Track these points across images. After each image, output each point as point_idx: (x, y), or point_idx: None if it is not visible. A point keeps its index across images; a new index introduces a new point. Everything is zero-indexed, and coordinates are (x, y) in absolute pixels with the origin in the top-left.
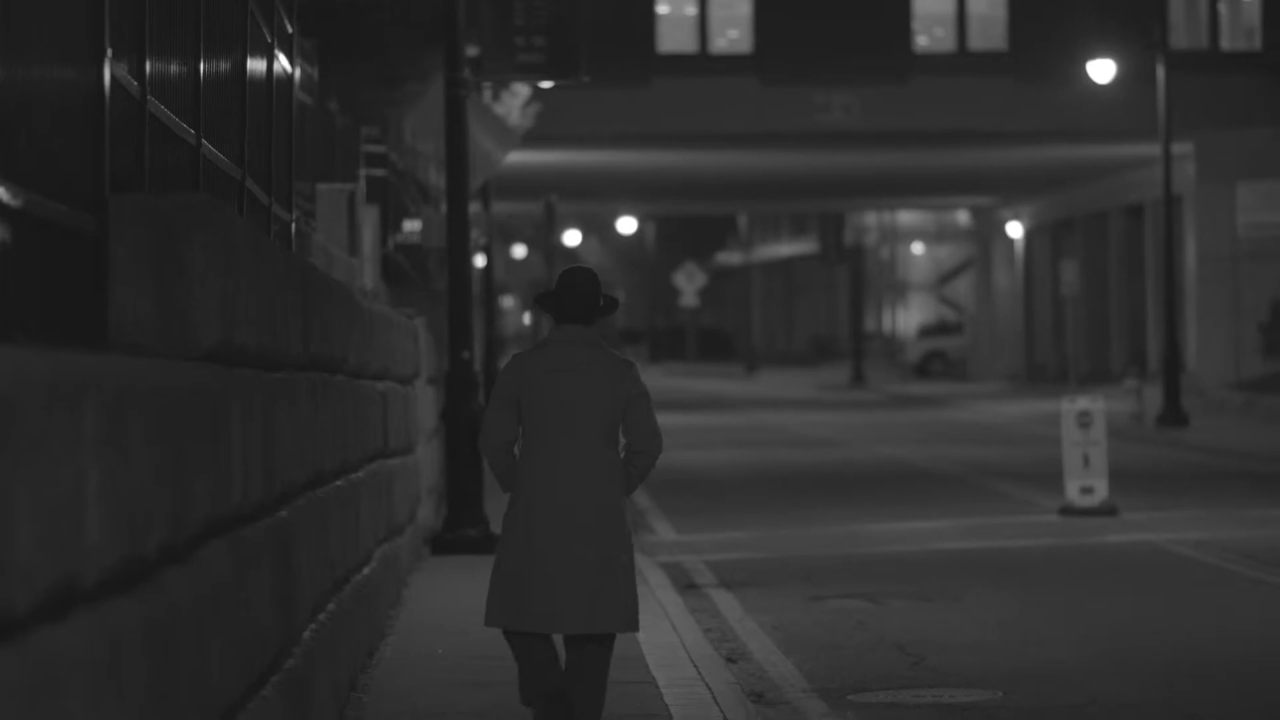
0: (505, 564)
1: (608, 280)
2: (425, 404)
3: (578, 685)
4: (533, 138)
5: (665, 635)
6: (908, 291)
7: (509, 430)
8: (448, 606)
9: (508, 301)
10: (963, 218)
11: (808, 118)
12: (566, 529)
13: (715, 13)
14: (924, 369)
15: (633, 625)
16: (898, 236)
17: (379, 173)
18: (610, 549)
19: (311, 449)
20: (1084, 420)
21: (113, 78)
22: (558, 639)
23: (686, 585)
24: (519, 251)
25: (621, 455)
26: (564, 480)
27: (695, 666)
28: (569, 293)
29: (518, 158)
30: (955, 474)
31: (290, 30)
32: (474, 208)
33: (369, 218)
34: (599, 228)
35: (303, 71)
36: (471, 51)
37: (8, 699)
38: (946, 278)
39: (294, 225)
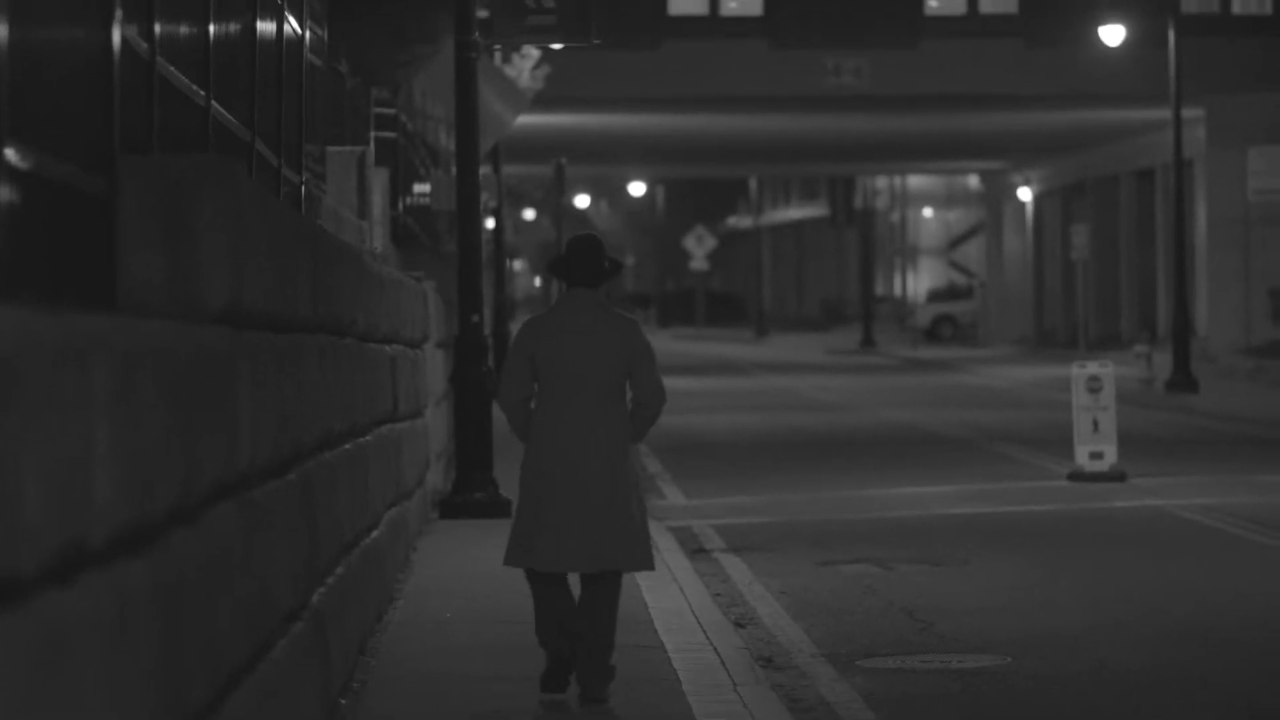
0: (523, 509)
1: (617, 244)
2: (434, 367)
3: (588, 621)
4: (543, 100)
5: (674, 599)
6: (918, 256)
7: (525, 387)
8: (456, 571)
9: (518, 264)
10: (973, 182)
11: (818, 81)
12: (576, 475)
13: None
14: (934, 333)
15: (645, 564)
16: (908, 200)
17: (389, 135)
18: (619, 492)
19: (320, 412)
20: (1093, 385)
21: (122, 39)
22: (573, 583)
23: (695, 550)
24: (529, 214)
25: (629, 409)
26: (574, 430)
27: (703, 631)
28: (576, 258)
29: (528, 120)
30: (964, 439)
31: None
32: (484, 170)
33: (379, 180)
34: (609, 191)
35: (312, 33)
36: (481, 13)
37: (16, 661)
38: (956, 242)
39: (303, 187)
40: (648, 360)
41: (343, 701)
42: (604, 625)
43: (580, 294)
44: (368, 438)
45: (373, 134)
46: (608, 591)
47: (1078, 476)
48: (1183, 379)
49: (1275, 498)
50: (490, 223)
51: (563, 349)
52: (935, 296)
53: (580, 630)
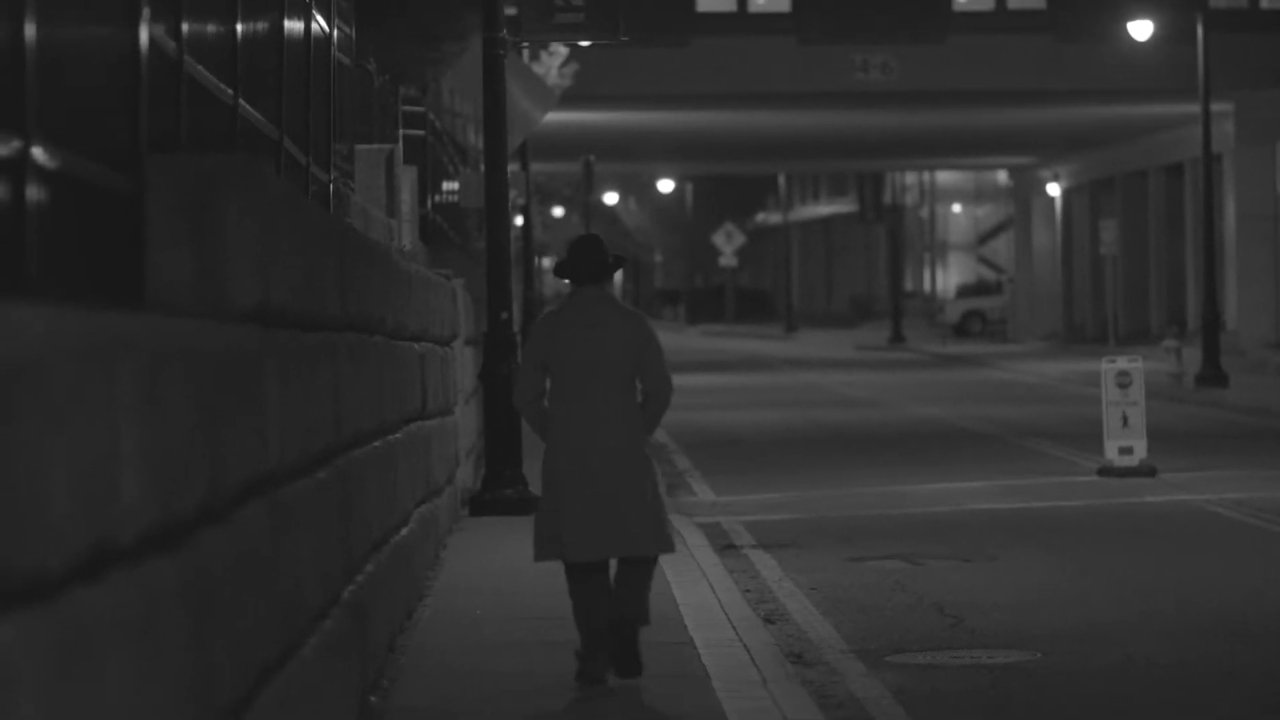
0: (545, 503)
1: (646, 241)
2: (464, 365)
3: (623, 595)
4: (571, 97)
5: (703, 596)
6: (947, 251)
7: (538, 385)
8: (485, 568)
9: (546, 262)
10: (1002, 177)
11: (846, 77)
12: (592, 465)
13: None
14: (963, 329)
15: (666, 546)
16: (937, 196)
17: (417, 133)
18: (635, 480)
19: (348, 410)
20: (1123, 380)
21: (149, 38)
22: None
23: (725, 546)
24: (558, 212)
25: (639, 400)
26: (589, 422)
27: (733, 627)
28: (580, 258)
29: (556, 118)
30: (994, 434)
31: None
32: (512, 168)
33: (407, 178)
34: (637, 188)
35: (340, 31)
36: (509, 11)
37: (44, 660)
38: (985, 237)
39: (332, 186)
40: (655, 352)
41: (372, 699)
42: (638, 597)
43: (588, 291)
44: (397, 435)
45: (401, 132)
46: (641, 571)
47: (1107, 471)
48: (1212, 373)
49: None
50: (519, 220)
51: (574, 344)
52: (964, 292)
53: (613, 614)
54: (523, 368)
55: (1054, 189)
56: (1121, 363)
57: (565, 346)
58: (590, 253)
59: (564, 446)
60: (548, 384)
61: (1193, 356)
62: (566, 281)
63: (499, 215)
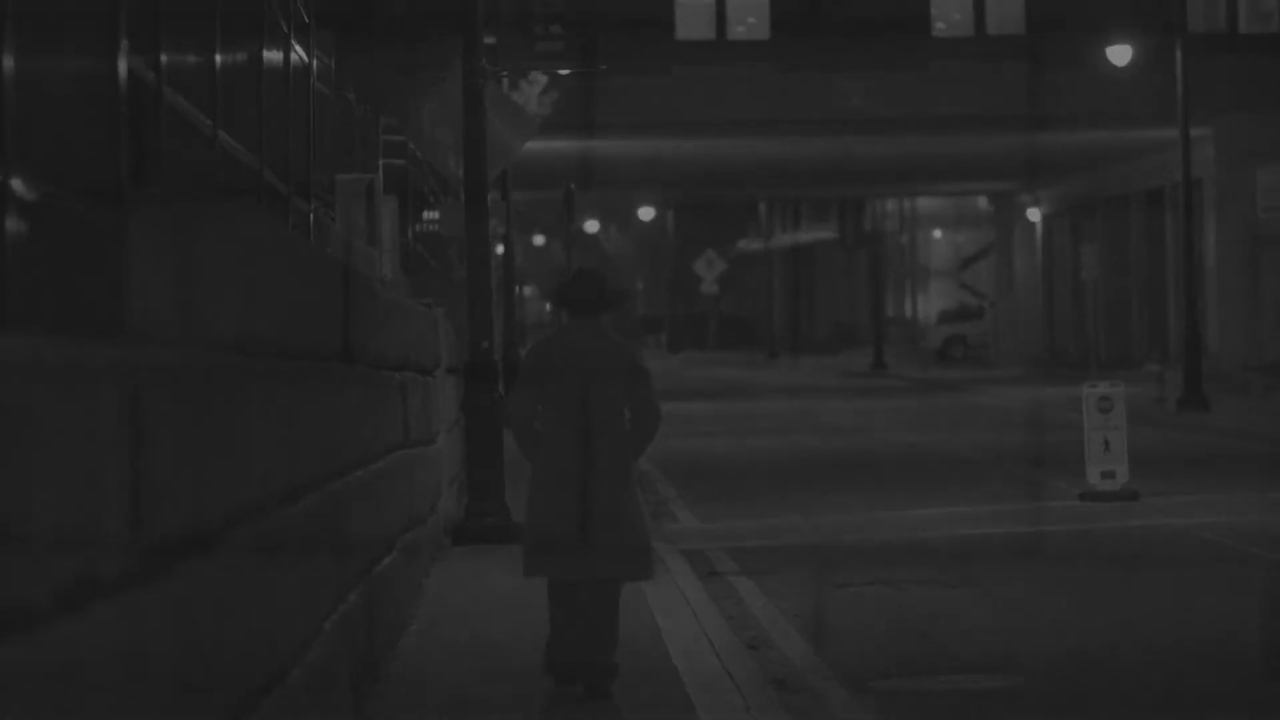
0: (534, 522)
1: (628, 269)
2: (445, 394)
3: (591, 624)
4: (551, 126)
5: (687, 622)
6: (928, 277)
7: (531, 407)
8: (469, 595)
9: (528, 290)
10: (983, 203)
11: (826, 104)
12: (582, 491)
13: None
14: (945, 354)
15: (648, 573)
16: (918, 222)
17: (398, 162)
18: (621, 507)
19: (331, 440)
20: (1105, 405)
21: (128, 69)
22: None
23: (708, 573)
24: (539, 240)
25: (627, 428)
26: (579, 449)
27: (717, 654)
28: (579, 289)
29: (536, 146)
30: (976, 459)
31: (307, 20)
32: (493, 196)
33: (388, 207)
34: (618, 216)
35: (320, 62)
36: (489, 40)
37: (27, 693)
38: (967, 263)
39: (313, 215)
40: (645, 382)
41: None
42: (607, 627)
43: (584, 322)
44: (379, 464)
45: (381, 161)
46: (610, 596)
47: (1090, 496)
48: (1194, 397)
49: None
50: (500, 249)
51: (567, 370)
52: (946, 317)
53: (584, 633)
54: (516, 389)
55: (1035, 214)
56: (1103, 388)
57: (559, 373)
58: (590, 286)
59: (553, 469)
60: (539, 408)
61: (1175, 380)
62: (547, 308)
63: (479, 244)
